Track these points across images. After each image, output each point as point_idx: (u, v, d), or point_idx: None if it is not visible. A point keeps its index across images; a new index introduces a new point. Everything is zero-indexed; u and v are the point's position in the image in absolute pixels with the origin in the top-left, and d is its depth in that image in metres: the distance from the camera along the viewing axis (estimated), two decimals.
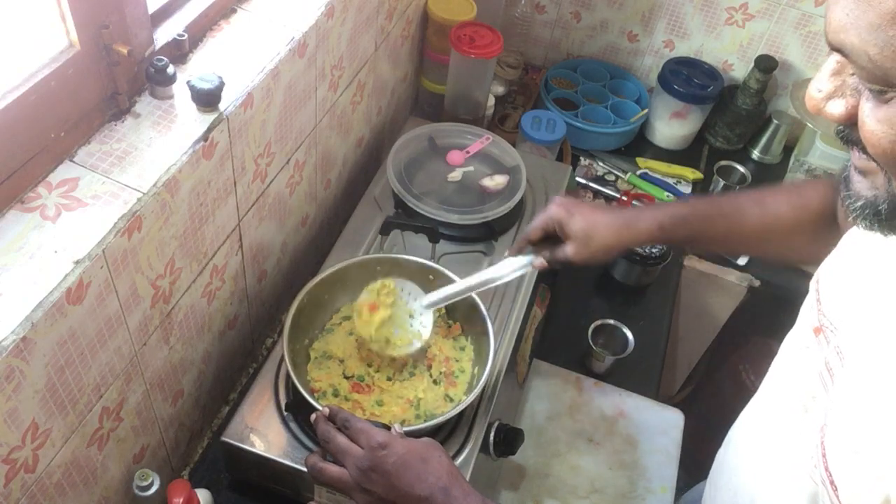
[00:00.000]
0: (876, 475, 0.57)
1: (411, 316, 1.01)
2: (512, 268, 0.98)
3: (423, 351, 1.03)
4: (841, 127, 0.54)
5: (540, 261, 0.97)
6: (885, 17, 0.44)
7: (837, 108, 0.52)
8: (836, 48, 0.49)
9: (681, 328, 1.69)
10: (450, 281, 1.04)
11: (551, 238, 0.98)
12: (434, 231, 1.11)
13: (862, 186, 0.54)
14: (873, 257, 0.68)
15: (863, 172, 0.53)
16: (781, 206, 0.93)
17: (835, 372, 0.68)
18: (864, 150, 0.51)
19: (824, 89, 0.53)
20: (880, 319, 0.63)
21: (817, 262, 0.89)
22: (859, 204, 0.54)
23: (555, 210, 0.96)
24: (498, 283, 0.99)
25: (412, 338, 1.00)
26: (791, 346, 0.80)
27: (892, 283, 0.64)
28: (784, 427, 0.77)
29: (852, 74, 0.50)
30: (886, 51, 0.44)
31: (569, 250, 0.95)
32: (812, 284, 0.77)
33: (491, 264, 1.19)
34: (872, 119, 0.49)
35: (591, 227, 0.94)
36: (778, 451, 0.77)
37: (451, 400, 1.00)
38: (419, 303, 1.01)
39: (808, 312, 0.76)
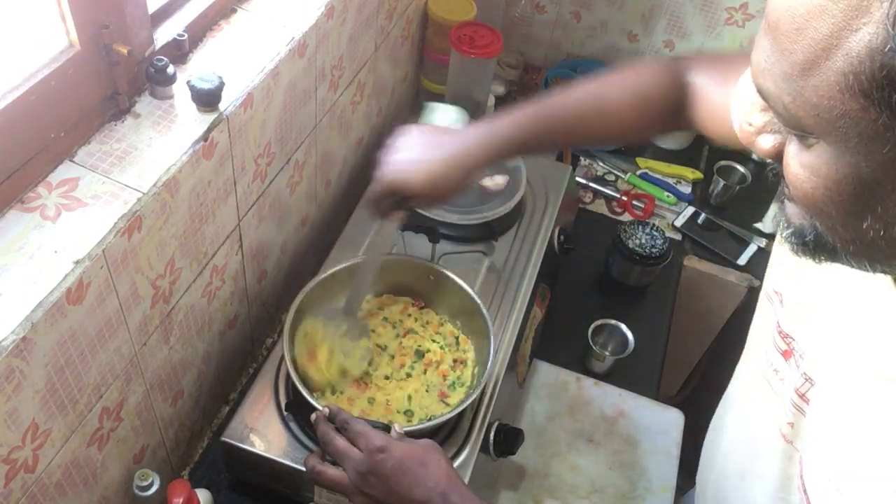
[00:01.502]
0: None
1: (345, 335, 1.00)
2: (388, 233, 0.95)
3: (422, 354, 1.04)
4: (772, 161, 0.53)
5: (398, 215, 0.93)
6: (796, 67, 0.43)
7: (767, 143, 0.51)
8: (758, 90, 0.48)
9: (681, 328, 1.69)
10: (450, 280, 1.04)
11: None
12: (434, 231, 1.11)
13: (792, 213, 0.52)
14: (837, 281, 0.65)
15: (791, 200, 0.52)
16: (625, 112, 0.90)
17: (810, 399, 0.67)
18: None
19: (754, 123, 0.52)
20: (847, 344, 0.62)
21: (662, 135, 0.85)
22: (789, 231, 0.53)
23: (387, 182, 0.88)
24: (383, 252, 0.96)
25: (361, 350, 1.00)
26: (757, 367, 0.78)
27: (854, 304, 0.62)
28: (766, 453, 0.76)
29: None
30: (798, 101, 0.44)
31: (418, 206, 0.93)
32: (769, 294, 0.75)
33: (491, 264, 1.20)
34: (796, 162, 0.48)
35: (429, 185, 0.87)
36: (762, 476, 0.76)
37: (447, 406, 1.00)
38: (342, 317, 1.00)
39: (768, 333, 0.74)
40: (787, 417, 0.71)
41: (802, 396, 0.67)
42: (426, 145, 0.89)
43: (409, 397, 0.99)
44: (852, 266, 0.51)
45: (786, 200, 0.53)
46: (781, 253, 0.74)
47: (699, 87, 0.86)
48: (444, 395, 1.01)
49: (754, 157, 1.75)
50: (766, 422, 0.76)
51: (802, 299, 0.70)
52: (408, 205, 0.91)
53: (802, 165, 0.47)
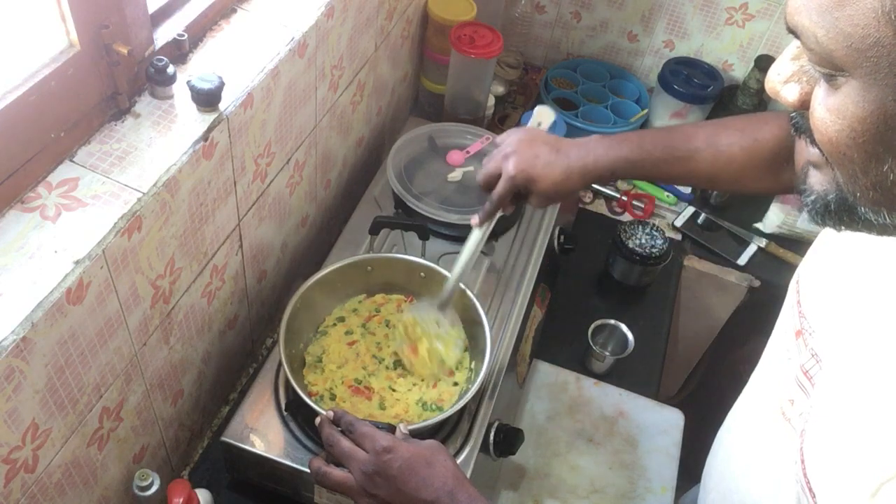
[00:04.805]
0: (850, 487, 0.57)
1: (438, 324, 1.01)
2: (486, 230, 0.99)
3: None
4: (794, 114, 0.54)
5: (510, 209, 1.00)
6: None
7: (792, 92, 0.53)
8: (791, 30, 0.50)
9: (681, 328, 1.69)
10: (442, 277, 1.04)
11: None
12: (423, 228, 1.11)
13: (815, 181, 0.54)
14: (851, 259, 0.68)
15: (816, 166, 0.54)
16: (734, 147, 0.93)
17: (812, 375, 0.67)
18: (812, 139, 0.52)
19: (783, 73, 0.54)
20: (857, 324, 0.63)
21: (768, 193, 0.87)
22: (811, 199, 0.55)
23: (517, 178, 0.95)
24: (481, 248, 1.00)
25: (455, 339, 1.02)
26: (773, 350, 0.80)
27: (869, 287, 0.64)
28: (766, 431, 0.77)
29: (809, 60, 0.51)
30: (831, 33, 0.46)
31: (533, 203, 0.99)
32: (792, 286, 0.77)
33: (491, 264, 1.20)
34: (822, 107, 0.49)
35: (553, 187, 0.95)
36: (763, 454, 0.77)
37: (456, 385, 1.01)
38: (435, 310, 1.01)
39: (788, 315, 0.76)
40: (788, 395, 0.71)
41: (806, 373, 0.68)
42: (550, 150, 0.96)
43: (420, 396, 0.99)
44: (871, 224, 0.52)
45: (809, 169, 0.55)
46: (812, 246, 0.76)
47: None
48: (451, 373, 1.02)
49: None
50: (769, 401, 0.77)
51: (816, 277, 0.72)
52: (526, 201, 0.99)
53: (828, 109, 0.49)
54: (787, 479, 0.69)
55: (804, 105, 0.52)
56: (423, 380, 1.01)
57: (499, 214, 0.99)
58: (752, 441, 0.81)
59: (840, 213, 0.53)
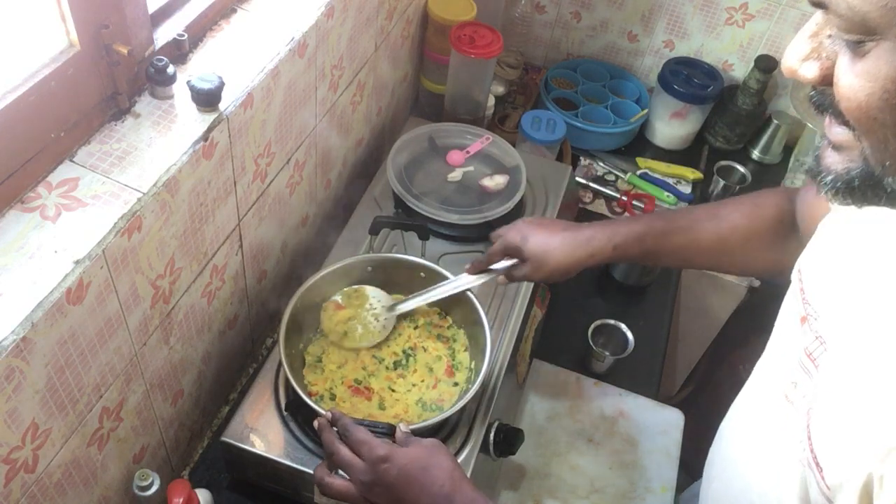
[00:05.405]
0: (858, 455, 0.58)
1: (377, 319, 1.04)
2: (474, 280, 1.04)
3: (413, 356, 1.04)
4: (813, 92, 0.54)
5: (501, 278, 1.03)
6: None
7: (811, 69, 0.52)
8: (816, 2, 0.49)
9: (681, 328, 1.69)
10: (442, 277, 1.05)
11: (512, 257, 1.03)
12: (424, 228, 1.11)
13: (833, 161, 0.54)
14: (852, 243, 0.69)
15: (837, 148, 0.53)
16: (736, 216, 0.95)
17: (816, 357, 0.68)
18: (836, 114, 0.52)
19: (801, 51, 0.53)
20: (861, 304, 0.64)
21: (774, 272, 0.90)
22: (829, 178, 0.54)
23: (510, 235, 1.01)
24: (459, 290, 1.04)
25: (371, 336, 1.04)
26: (776, 339, 0.81)
27: (871, 268, 0.64)
28: (770, 416, 0.77)
29: (829, 36, 0.51)
30: None
31: (526, 270, 1.00)
32: (794, 274, 0.78)
33: None
34: (850, 74, 0.49)
35: (545, 250, 0.97)
36: (766, 439, 0.78)
37: (456, 385, 1.01)
38: (386, 307, 1.05)
39: (791, 302, 0.77)
40: (791, 378, 0.72)
41: (810, 356, 0.69)
42: (553, 226, 1.01)
43: (420, 396, 0.99)
44: (895, 197, 0.52)
45: (825, 151, 0.54)
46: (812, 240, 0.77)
47: (802, 193, 0.92)
48: (451, 372, 1.02)
49: (754, 157, 1.75)
50: (773, 387, 0.77)
51: (819, 262, 0.73)
52: (515, 271, 1.01)
53: (857, 75, 0.48)
54: (790, 462, 0.70)
55: (825, 80, 0.52)
56: (324, 334, 1.04)
57: (489, 277, 1.03)
58: (754, 427, 0.82)
59: (864, 188, 0.53)
